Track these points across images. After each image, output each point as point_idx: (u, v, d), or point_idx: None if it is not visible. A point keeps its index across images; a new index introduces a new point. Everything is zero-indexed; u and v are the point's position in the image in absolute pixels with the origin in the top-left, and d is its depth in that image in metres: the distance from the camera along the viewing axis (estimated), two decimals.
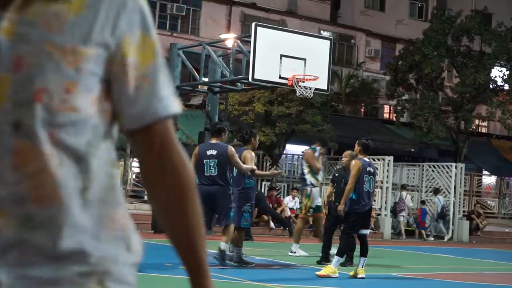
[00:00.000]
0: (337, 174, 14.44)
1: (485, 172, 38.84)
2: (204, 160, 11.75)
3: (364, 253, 12.09)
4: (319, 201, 15.20)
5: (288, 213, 24.02)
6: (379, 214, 26.17)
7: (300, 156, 32.36)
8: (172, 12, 36.02)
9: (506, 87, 33.24)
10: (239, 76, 19.24)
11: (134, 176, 29.36)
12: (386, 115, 42.66)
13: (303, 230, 23.95)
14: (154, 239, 17.76)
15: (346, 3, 43.73)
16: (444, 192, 26.66)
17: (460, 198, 26.83)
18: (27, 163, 1.51)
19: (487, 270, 13.72)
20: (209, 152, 11.83)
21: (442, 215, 26.39)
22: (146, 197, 27.58)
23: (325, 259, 13.85)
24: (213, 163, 11.90)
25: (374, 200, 26.75)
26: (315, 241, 16.56)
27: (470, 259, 17.89)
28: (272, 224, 23.26)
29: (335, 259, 12.03)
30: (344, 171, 14.02)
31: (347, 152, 14.45)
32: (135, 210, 23.73)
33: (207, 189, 11.46)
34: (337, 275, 11.84)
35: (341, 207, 12.16)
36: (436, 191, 26.56)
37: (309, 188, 15.06)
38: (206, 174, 11.76)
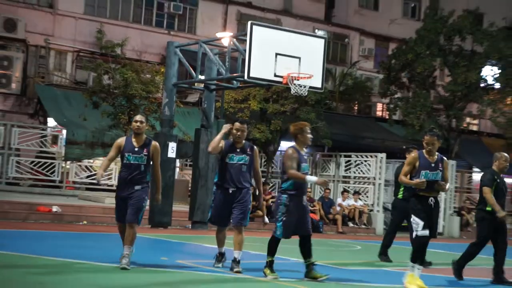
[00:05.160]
0: None
1: (475, 169, 38.88)
2: None
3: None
4: None
5: None
6: (371, 210, 26.23)
7: None
8: (170, 11, 36.03)
9: (497, 86, 33.28)
10: (235, 74, 19.25)
11: None
12: (379, 113, 42.68)
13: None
14: (152, 233, 17.78)
15: (340, 3, 43.75)
16: None
17: (451, 195, 26.87)
18: None
19: (477, 264, 13.71)
20: None
21: None
22: None
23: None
24: None
25: (367, 197, 26.95)
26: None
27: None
28: (266, 219, 23.26)
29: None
30: None
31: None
32: None
33: None
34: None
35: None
36: None
37: None
38: None
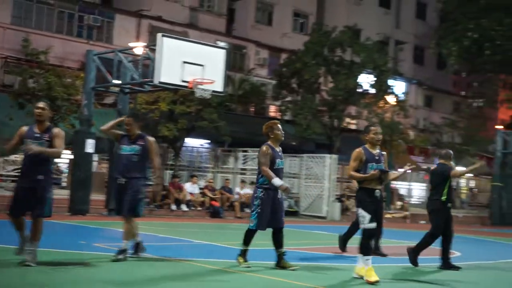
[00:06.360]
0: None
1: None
2: None
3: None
4: None
5: (188, 197, 23.99)
6: None
7: (198, 149, 32.34)
8: (89, 23, 35.45)
9: (372, 91, 33.96)
10: (146, 79, 19.07)
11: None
12: (272, 114, 42.94)
13: (203, 212, 23.99)
14: (71, 220, 17.46)
15: (239, 18, 43.89)
16: (316, 179, 27.11)
17: (333, 184, 27.29)
18: None
19: (355, 244, 13.96)
20: None
21: None
22: (64, 184, 27.07)
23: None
24: None
25: None
26: (211, 221, 16.58)
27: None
28: (173, 206, 23.19)
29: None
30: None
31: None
32: (54, 195, 23.13)
33: None
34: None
35: None
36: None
37: None
38: None
